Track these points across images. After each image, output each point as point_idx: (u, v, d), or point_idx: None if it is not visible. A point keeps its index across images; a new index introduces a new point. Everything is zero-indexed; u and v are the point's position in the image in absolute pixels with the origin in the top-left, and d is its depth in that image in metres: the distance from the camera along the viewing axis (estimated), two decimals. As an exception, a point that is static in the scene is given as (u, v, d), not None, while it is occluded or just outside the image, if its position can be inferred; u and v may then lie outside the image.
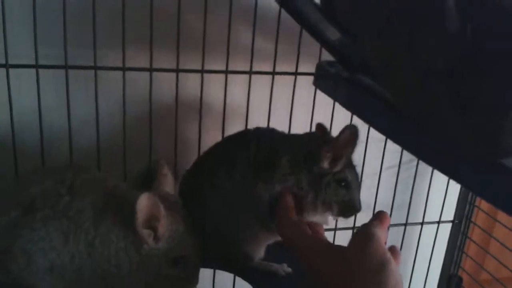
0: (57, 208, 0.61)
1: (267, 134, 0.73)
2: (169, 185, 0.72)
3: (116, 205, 0.62)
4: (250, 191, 0.67)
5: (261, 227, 0.70)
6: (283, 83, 0.89)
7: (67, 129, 0.77)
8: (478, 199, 1.17)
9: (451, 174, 0.58)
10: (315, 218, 0.70)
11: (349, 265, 0.55)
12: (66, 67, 0.75)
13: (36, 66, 0.73)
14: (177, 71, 0.80)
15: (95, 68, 0.76)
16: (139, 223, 0.59)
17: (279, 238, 0.69)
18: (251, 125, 0.79)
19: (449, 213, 1.17)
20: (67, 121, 0.77)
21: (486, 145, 0.49)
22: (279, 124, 0.78)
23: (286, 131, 0.80)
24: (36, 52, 0.72)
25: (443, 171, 0.58)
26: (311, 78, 0.86)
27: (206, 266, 0.74)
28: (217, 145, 0.76)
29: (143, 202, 0.58)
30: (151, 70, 0.78)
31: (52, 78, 0.79)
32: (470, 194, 1.17)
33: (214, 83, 0.88)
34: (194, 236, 0.66)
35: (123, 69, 0.77)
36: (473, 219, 1.19)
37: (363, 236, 0.57)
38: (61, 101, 0.77)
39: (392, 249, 0.60)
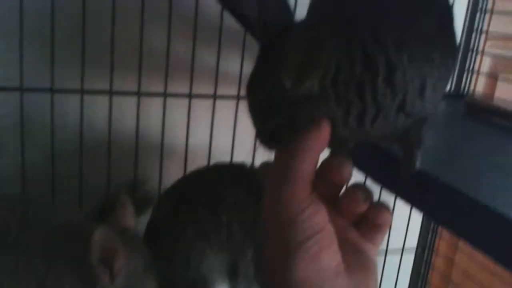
0: (5, 242, 0.57)
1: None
2: (129, 217, 0.68)
3: (69, 239, 0.59)
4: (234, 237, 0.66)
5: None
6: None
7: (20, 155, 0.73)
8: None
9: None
10: None
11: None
12: (21, 89, 0.71)
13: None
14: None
15: (52, 90, 0.72)
16: (93, 260, 0.55)
17: None
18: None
19: (413, 242, 1.17)
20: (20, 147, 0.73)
21: None
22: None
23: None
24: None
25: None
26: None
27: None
28: (205, 173, 0.73)
29: (98, 237, 0.55)
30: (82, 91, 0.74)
31: (7, 100, 0.75)
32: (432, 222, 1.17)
33: (178, 108, 0.85)
34: (153, 272, 0.63)
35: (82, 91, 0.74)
36: (436, 247, 1.19)
37: None
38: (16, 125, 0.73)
39: None
